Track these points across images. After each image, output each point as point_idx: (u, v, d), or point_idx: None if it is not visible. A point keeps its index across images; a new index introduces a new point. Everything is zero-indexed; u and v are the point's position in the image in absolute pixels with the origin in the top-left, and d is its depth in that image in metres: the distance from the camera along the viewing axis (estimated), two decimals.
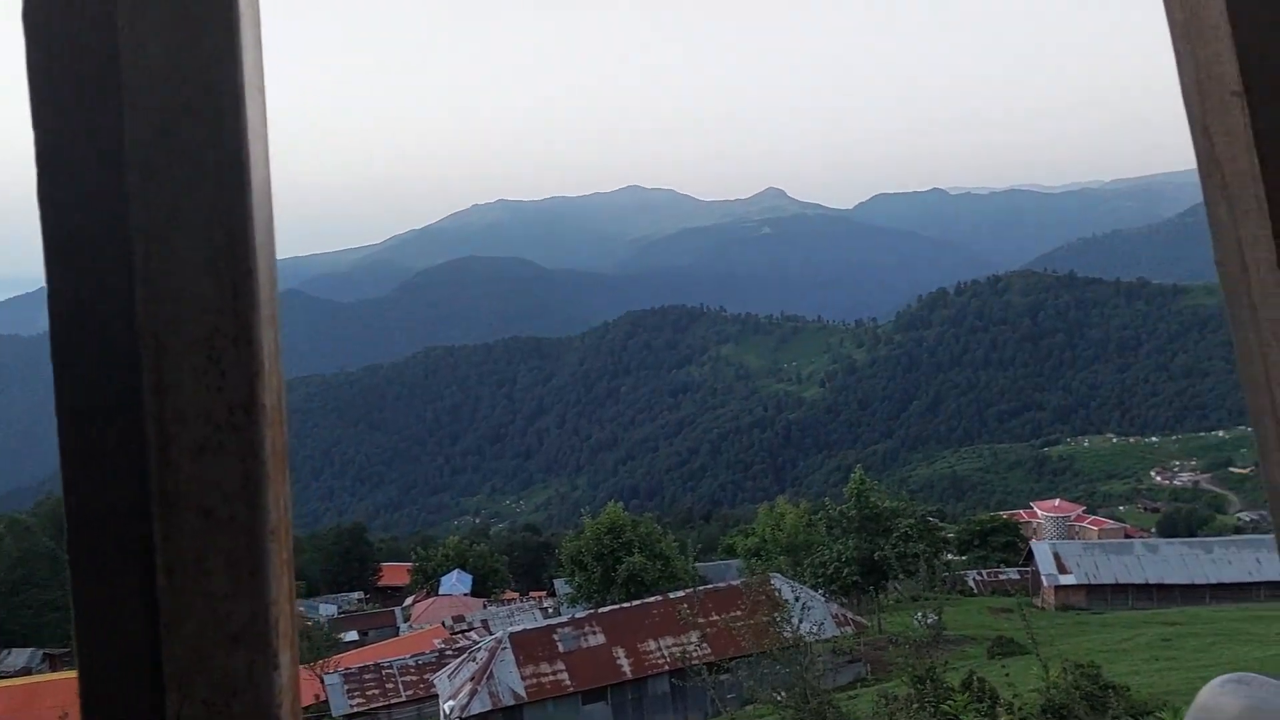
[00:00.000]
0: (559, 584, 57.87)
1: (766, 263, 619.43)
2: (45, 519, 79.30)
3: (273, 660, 0.75)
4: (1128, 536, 73.10)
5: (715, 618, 30.04)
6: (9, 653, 58.60)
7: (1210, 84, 0.88)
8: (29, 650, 59.33)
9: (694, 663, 22.86)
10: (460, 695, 29.66)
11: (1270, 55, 0.85)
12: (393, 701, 37.12)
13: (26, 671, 50.99)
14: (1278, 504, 0.91)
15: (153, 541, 0.72)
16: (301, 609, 65.19)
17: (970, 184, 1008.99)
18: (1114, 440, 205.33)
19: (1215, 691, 0.81)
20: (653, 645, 31.53)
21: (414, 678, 38.00)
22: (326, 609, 68.33)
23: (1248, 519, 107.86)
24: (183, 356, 0.73)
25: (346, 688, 37.28)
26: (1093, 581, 51.07)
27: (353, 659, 44.47)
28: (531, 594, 73.17)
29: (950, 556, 56.60)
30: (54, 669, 49.82)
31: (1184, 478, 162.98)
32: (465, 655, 33.99)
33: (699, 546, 61.30)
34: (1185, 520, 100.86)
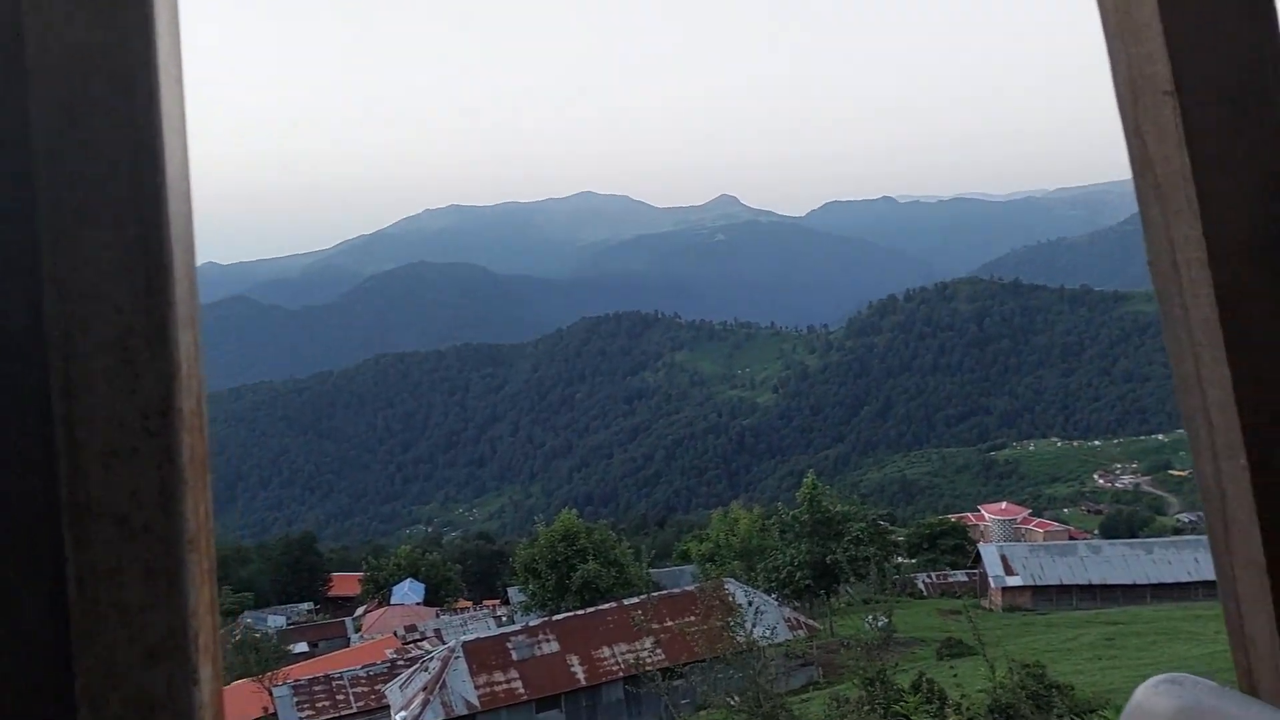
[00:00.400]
0: (513, 592, 57.56)
1: (720, 269, 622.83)
2: None
3: (192, 675, 0.71)
4: (1072, 538, 74.58)
5: (670, 623, 30.14)
6: None
7: (1143, 83, 0.90)
8: None
9: (648, 669, 22.94)
10: (412, 706, 29.38)
11: (1201, 54, 0.86)
12: (343, 713, 36.61)
13: None
14: (1210, 501, 0.93)
15: (63, 552, 0.69)
16: (249, 620, 64.01)
17: (919, 192, 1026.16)
18: (1058, 444, 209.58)
19: (1150, 692, 0.82)
20: (607, 652, 31.50)
21: (365, 688, 37.52)
22: (275, 620, 67.15)
23: (1187, 520, 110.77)
24: (93, 358, 0.69)
25: (296, 700, 36.71)
26: (1038, 583, 52.01)
27: (302, 670, 43.78)
28: (485, 602, 72.62)
29: (900, 560, 57.22)
30: None
31: (1125, 480, 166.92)
32: (417, 665, 33.67)
33: (653, 552, 61.64)
34: (1127, 522, 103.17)
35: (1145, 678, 0.86)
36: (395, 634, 52.78)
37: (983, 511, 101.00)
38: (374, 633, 56.95)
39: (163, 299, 0.70)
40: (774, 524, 46.62)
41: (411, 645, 48.06)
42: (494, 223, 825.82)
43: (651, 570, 52.02)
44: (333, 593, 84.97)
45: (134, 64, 0.69)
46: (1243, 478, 0.88)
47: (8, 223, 0.68)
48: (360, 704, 36.94)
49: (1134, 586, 51.26)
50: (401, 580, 69.55)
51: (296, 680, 38.91)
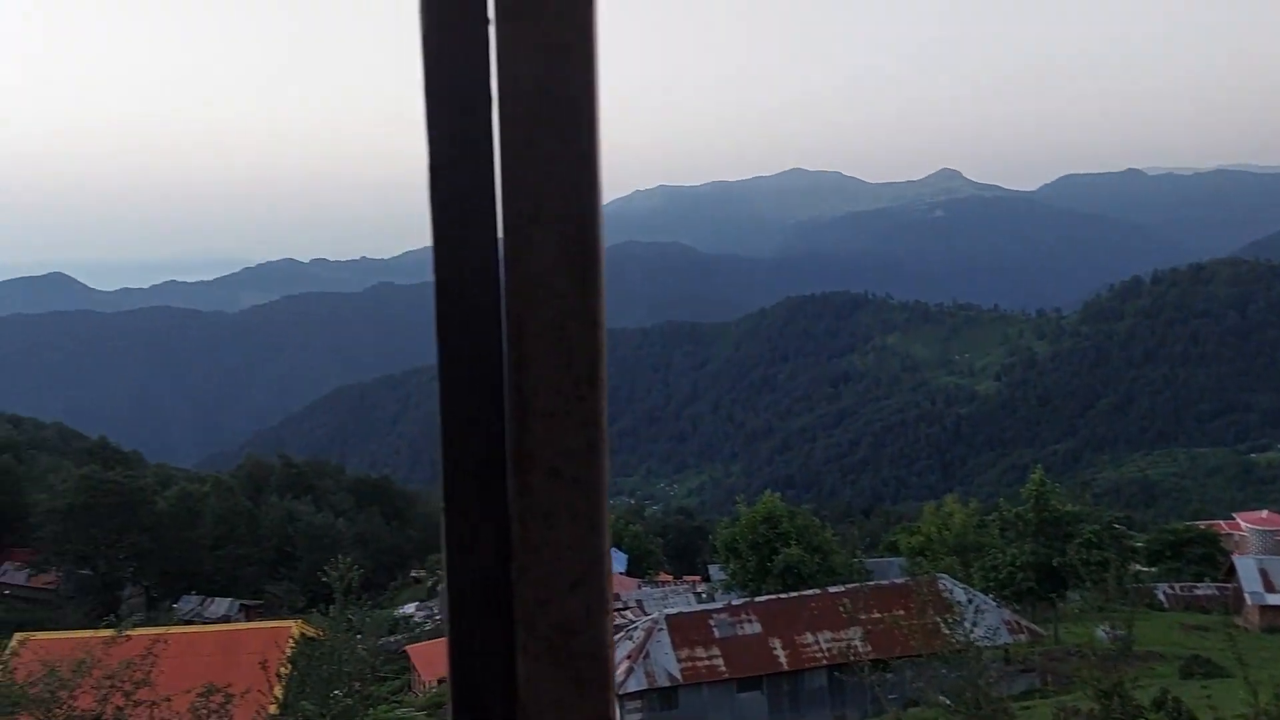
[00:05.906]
0: (713, 570, 57.82)
1: (939, 248, 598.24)
2: (244, 480, 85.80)
3: (604, 605, 0.86)
4: None
5: (877, 615, 29.09)
6: (212, 601, 63.85)
7: None
8: (228, 600, 64.46)
9: (856, 659, 22.16)
10: (617, 673, 29.93)
11: None
12: None
13: (225, 620, 55.20)
14: None
15: (507, 494, 0.86)
16: None
17: (1171, 164, 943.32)
18: None
19: None
20: (810, 638, 30.88)
21: None
22: None
23: None
24: (539, 337, 0.85)
25: None
26: None
27: None
28: (685, 577, 73.45)
29: (1138, 567, 53.10)
30: (249, 619, 53.46)
31: None
32: (621, 633, 34.33)
33: (866, 541, 59.99)
34: None
35: None
36: None
37: (1239, 520, 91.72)
38: None
39: (593, 288, 0.85)
40: (994, 521, 44.58)
41: (614, 613, 49.20)
42: (701, 202, 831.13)
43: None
44: None
45: (577, 94, 0.85)
46: None
47: (477, 222, 0.85)
48: None
49: None
50: None
51: None
